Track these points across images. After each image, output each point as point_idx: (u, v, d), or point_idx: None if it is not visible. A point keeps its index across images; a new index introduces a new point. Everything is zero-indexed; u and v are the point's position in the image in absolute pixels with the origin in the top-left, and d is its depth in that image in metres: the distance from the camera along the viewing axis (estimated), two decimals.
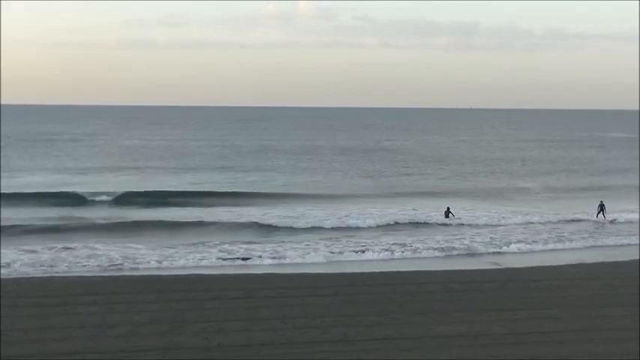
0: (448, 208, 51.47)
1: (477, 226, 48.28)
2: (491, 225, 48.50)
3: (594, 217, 51.01)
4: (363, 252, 39.35)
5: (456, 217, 50.36)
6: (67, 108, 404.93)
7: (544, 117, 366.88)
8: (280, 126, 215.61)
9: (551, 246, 42.11)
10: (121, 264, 35.26)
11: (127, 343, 21.37)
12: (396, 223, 48.91)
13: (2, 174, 70.86)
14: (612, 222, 50.47)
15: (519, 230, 46.53)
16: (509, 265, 36.19)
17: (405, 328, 23.21)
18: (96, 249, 38.30)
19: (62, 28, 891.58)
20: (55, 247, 38.09)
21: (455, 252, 40.15)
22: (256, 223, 47.75)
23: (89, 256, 36.39)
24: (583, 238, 44.20)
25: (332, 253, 39.29)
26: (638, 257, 37.76)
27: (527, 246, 41.83)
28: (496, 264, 36.69)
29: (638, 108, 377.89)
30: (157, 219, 48.24)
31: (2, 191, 56.71)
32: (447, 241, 42.48)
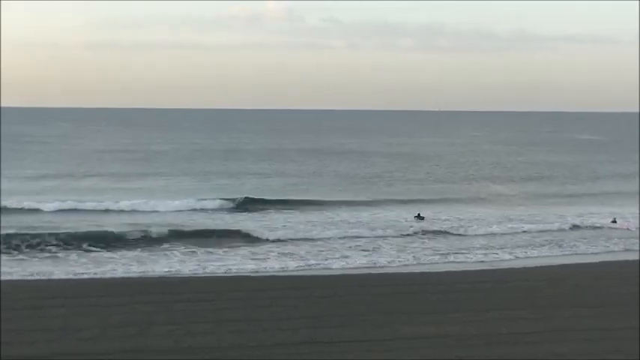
0: (419, 214, 51.70)
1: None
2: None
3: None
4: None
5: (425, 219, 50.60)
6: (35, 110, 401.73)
7: (513, 118, 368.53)
8: (246, 128, 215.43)
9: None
10: None
11: (95, 346, 21.22)
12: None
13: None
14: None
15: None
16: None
17: (372, 330, 23.22)
18: None
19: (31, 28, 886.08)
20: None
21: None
22: None
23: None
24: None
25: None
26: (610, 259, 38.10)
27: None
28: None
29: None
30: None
31: None
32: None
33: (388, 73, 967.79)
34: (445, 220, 50.23)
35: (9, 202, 52.57)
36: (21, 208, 51.19)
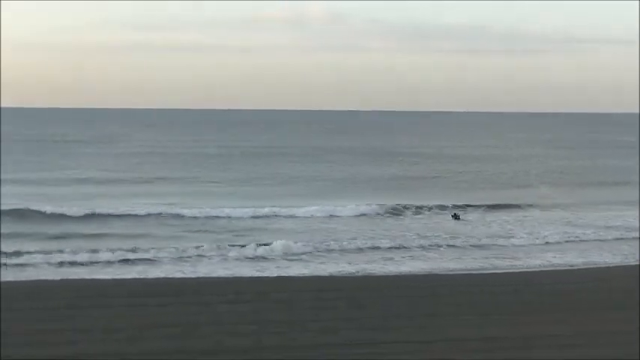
0: (455, 213, 51.73)
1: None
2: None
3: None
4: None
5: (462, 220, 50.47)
6: (68, 111, 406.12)
7: (545, 119, 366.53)
8: (290, 129, 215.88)
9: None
10: None
11: (136, 347, 21.22)
12: None
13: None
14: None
15: None
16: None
17: (414, 331, 23.04)
18: None
19: (54, 28, 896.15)
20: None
21: None
22: None
23: None
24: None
25: None
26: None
27: None
28: None
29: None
30: None
31: None
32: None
33: (426, 75, 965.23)
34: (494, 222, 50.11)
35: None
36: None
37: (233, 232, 44.92)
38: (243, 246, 39.75)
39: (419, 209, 53.90)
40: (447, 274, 34.40)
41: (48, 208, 50.64)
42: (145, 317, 24.48)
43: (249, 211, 51.43)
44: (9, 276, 32.85)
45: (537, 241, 43.14)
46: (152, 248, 38.87)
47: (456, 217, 50.87)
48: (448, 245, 41.75)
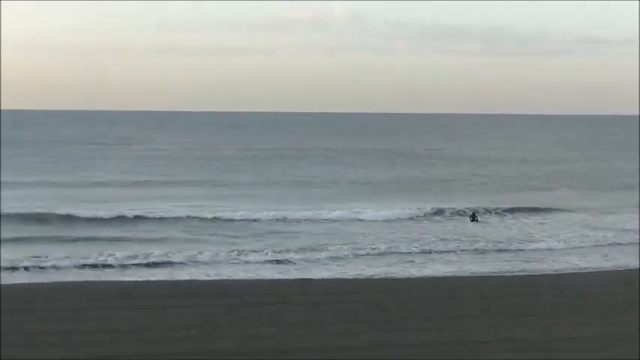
0: (474, 212, 51.89)
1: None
2: None
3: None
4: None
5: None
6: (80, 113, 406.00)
7: (574, 121, 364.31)
8: (309, 132, 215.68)
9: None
10: None
11: (160, 348, 21.47)
12: None
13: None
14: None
15: None
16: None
17: (436, 333, 23.19)
18: None
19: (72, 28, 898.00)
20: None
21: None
22: None
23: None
24: None
25: None
26: None
27: None
28: None
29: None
30: None
31: None
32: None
33: (445, 76, 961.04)
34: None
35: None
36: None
37: (254, 236, 45.15)
38: (263, 250, 40.02)
39: (441, 212, 53.93)
40: (467, 276, 34.48)
41: (74, 212, 51.00)
42: (167, 319, 24.66)
43: (270, 215, 51.70)
44: (32, 278, 33.26)
45: (557, 244, 43.14)
46: (172, 251, 39.13)
47: (474, 218, 51.06)
48: (468, 248, 41.84)
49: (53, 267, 35.36)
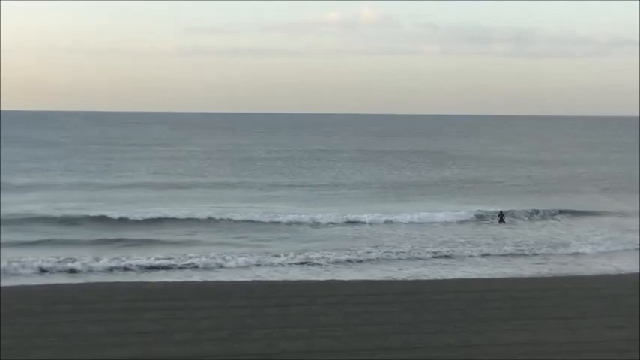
0: (501, 212, 51.93)
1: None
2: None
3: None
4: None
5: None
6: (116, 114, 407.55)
7: (610, 123, 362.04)
8: (342, 132, 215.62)
9: None
10: None
11: (188, 349, 21.57)
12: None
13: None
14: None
15: None
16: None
17: (467, 335, 23.16)
18: None
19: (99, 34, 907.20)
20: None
21: None
22: None
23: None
24: None
25: None
26: None
27: None
28: None
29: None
30: None
31: None
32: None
33: (479, 78, 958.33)
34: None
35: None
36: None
37: (283, 238, 45.27)
38: (291, 252, 40.14)
39: (472, 214, 53.74)
40: (497, 278, 34.40)
41: (105, 213, 51.49)
42: (195, 321, 24.71)
43: (300, 217, 51.83)
44: (62, 279, 33.54)
45: (587, 247, 42.93)
46: (201, 253, 39.28)
47: (501, 219, 51.13)
48: (497, 250, 41.78)
49: (83, 268, 35.59)
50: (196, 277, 34.40)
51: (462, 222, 51.44)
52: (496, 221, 51.30)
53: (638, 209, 55.83)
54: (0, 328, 23.45)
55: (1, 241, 41.59)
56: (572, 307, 27.27)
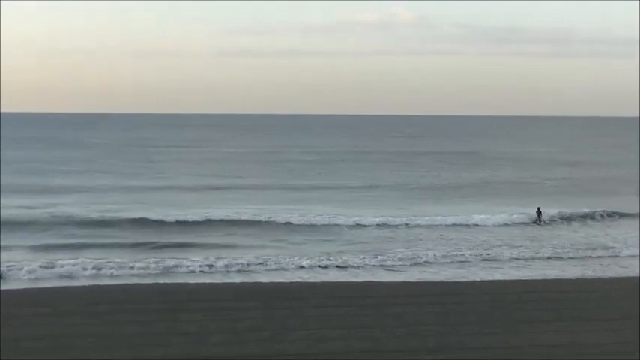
0: (538, 209, 52.03)
1: None
2: None
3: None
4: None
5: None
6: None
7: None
8: (378, 134, 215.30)
9: None
10: None
11: (228, 350, 21.74)
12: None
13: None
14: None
15: None
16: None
17: (507, 337, 23.17)
18: None
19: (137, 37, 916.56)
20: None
21: None
22: None
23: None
24: None
25: None
26: None
27: None
28: None
29: None
30: None
31: None
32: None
33: (514, 78, 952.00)
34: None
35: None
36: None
37: (322, 240, 45.37)
38: (330, 253, 40.33)
39: (510, 216, 53.48)
40: (537, 279, 34.31)
41: (144, 215, 51.93)
42: (235, 322, 24.89)
43: (339, 219, 51.88)
44: (103, 280, 33.88)
45: (627, 249, 42.68)
46: (240, 255, 39.58)
47: (538, 217, 51.40)
48: (536, 252, 41.67)
49: (122, 270, 35.85)
50: (236, 278, 34.61)
51: (499, 224, 51.27)
52: (534, 219, 51.26)
53: None
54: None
55: (36, 243, 42.15)
56: (612, 308, 27.19)
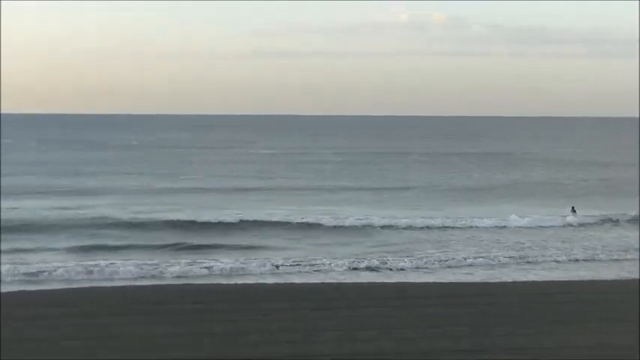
0: (573, 208, 52.70)
1: None
2: None
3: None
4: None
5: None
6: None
7: None
8: (408, 134, 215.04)
9: None
10: None
11: (259, 351, 21.74)
12: None
13: None
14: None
15: None
16: None
17: (541, 338, 23.04)
18: None
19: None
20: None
21: None
22: None
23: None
24: None
25: None
26: None
27: None
28: None
29: None
30: None
31: None
32: None
33: (549, 79, 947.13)
34: None
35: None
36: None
37: (351, 242, 45.33)
38: (360, 254, 40.37)
39: (542, 217, 53.34)
40: (570, 280, 34.14)
41: (176, 217, 52.21)
42: (266, 322, 24.91)
43: (372, 220, 51.87)
44: (134, 282, 34.05)
45: None
46: (272, 256, 39.75)
47: (573, 212, 51.71)
48: (569, 253, 41.45)
49: (155, 271, 36.01)
50: (267, 279, 34.66)
51: (533, 225, 51.00)
52: (568, 219, 51.07)
53: None
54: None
55: (69, 245, 42.47)
56: None
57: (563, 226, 51.05)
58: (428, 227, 50.16)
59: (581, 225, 51.27)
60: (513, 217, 52.47)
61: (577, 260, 40.17)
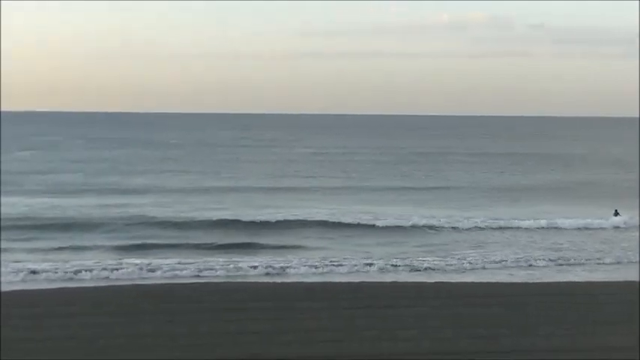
0: (616, 211, 52.22)
1: None
2: None
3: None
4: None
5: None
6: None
7: None
8: (450, 134, 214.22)
9: None
10: None
11: (298, 350, 21.80)
12: None
13: None
14: None
15: None
16: None
17: (580, 339, 22.92)
18: None
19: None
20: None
21: None
22: None
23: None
24: None
25: None
26: None
27: None
28: None
29: None
30: None
31: None
32: None
33: (592, 79, 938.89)
34: None
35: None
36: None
37: (389, 242, 45.31)
38: (400, 254, 40.38)
39: (584, 218, 52.96)
40: (611, 281, 33.86)
41: (227, 216, 52.52)
42: (303, 321, 24.95)
43: (413, 220, 51.73)
44: (176, 280, 34.27)
45: None
46: (309, 256, 39.93)
47: (616, 214, 51.41)
48: (607, 255, 41.14)
49: (194, 269, 36.21)
50: (307, 278, 34.73)
51: (574, 226, 50.66)
52: (611, 218, 50.99)
53: None
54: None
55: (112, 244, 42.87)
56: None
57: (607, 228, 50.55)
58: (469, 228, 50.01)
59: (626, 227, 50.67)
60: (555, 217, 52.18)
61: (619, 261, 39.86)
